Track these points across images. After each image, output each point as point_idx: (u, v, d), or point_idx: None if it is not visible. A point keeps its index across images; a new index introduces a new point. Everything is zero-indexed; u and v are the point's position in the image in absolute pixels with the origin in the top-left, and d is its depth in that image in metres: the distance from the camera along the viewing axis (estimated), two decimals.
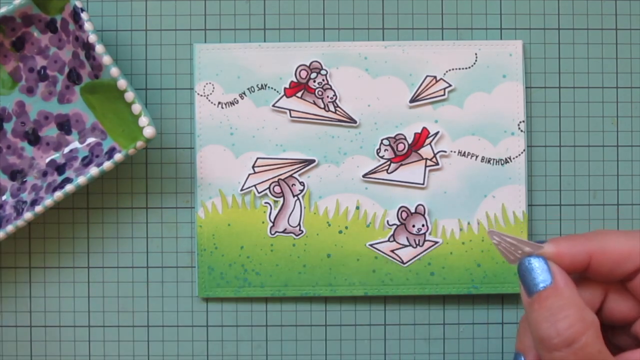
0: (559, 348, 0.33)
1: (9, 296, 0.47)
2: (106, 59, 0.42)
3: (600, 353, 0.33)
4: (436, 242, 0.47)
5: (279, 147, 0.47)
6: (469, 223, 0.47)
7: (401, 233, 0.47)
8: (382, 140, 0.46)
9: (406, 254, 0.47)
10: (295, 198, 0.46)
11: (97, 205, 0.47)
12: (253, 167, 0.46)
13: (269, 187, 0.46)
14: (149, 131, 0.42)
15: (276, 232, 0.46)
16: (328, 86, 0.46)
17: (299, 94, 0.46)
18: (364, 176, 0.46)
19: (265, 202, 0.46)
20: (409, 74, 0.47)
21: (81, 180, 0.43)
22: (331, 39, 0.47)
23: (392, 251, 0.47)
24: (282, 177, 0.46)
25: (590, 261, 0.36)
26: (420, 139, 0.47)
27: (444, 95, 0.46)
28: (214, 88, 0.47)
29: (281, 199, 0.46)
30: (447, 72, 0.47)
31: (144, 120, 0.42)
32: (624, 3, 0.48)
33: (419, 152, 0.47)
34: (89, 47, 0.43)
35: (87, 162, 0.45)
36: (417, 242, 0.47)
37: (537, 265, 0.35)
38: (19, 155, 0.46)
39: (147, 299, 0.47)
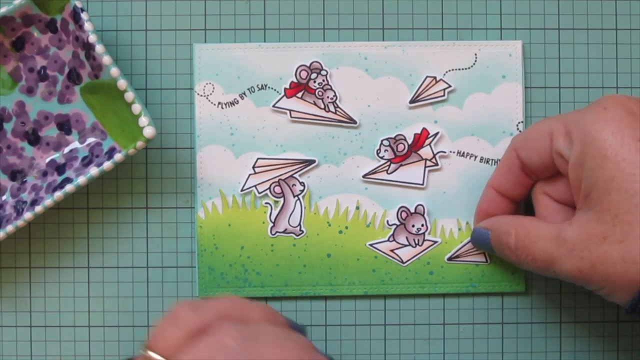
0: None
1: (9, 296, 0.47)
2: (106, 59, 0.42)
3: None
4: (435, 242, 0.47)
5: (279, 147, 0.47)
6: (467, 223, 0.47)
7: (401, 233, 0.47)
8: (382, 140, 0.46)
9: (406, 253, 0.47)
10: (296, 198, 0.46)
11: (97, 205, 0.47)
12: (253, 167, 0.46)
13: (269, 188, 0.46)
14: (149, 131, 0.42)
15: (276, 232, 0.47)
16: (328, 86, 0.46)
17: (299, 95, 0.46)
18: (364, 176, 0.47)
19: (266, 203, 0.47)
20: (409, 74, 0.47)
21: (81, 180, 0.43)
22: (331, 39, 0.47)
23: (392, 251, 0.47)
24: (283, 177, 0.46)
25: (520, 159, 0.42)
26: (420, 139, 0.47)
27: (443, 95, 0.47)
28: (214, 88, 0.47)
29: (281, 199, 0.46)
30: (447, 72, 0.47)
31: (144, 120, 0.42)
32: (624, 3, 0.48)
33: (418, 152, 0.47)
34: (89, 47, 0.43)
35: (87, 162, 0.45)
36: (417, 242, 0.47)
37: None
38: (19, 155, 0.46)
39: (147, 299, 0.47)
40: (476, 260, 0.47)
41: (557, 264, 0.39)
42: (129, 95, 0.42)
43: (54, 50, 0.45)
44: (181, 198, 0.47)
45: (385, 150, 0.47)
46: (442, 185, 0.47)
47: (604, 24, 0.48)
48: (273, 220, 0.47)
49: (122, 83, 0.42)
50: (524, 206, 0.47)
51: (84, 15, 0.42)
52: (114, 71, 0.42)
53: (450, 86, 0.46)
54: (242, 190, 0.47)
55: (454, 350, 0.48)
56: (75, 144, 0.46)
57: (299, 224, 0.47)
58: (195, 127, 0.47)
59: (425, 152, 0.47)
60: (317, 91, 0.46)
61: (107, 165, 0.42)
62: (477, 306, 0.48)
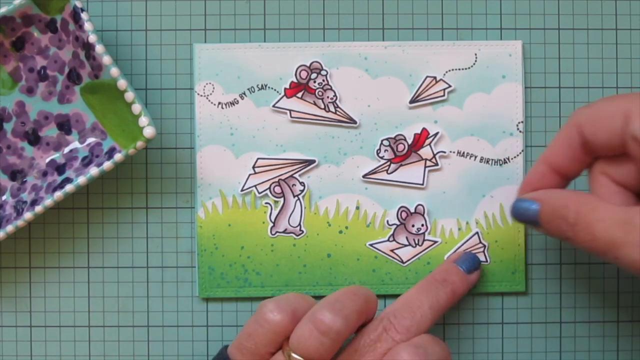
0: None
1: (9, 296, 0.47)
2: (106, 59, 0.42)
3: None
4: (435, 242, 0.47)
5: (279, 147, 0.47)
6: (467, 223, 0.47)
7: (401, 233, 0.47)
8: (382, 140, 0.47)
9: (406, 253, 0.47)
10: (296, 198, 0.46)
11: (97, 205, 0.47)
12: (253, 167, 0.46)
13: (269, 188, 0.46)
14: (149, 131, 0.42)
15: (277, 232, 0.47)
16: (328, 87, 0.46)
17: (299, 95, 0.46)
18: (364, 176, 0.47)
19: (266, 203, 0.47)
20: (409, 74, 0.47)
21: (81, 180, 0.43)
22: (331, 39, 0.47)
23: (392, 251, 0.47)
24: (283, 177, 0.46)
25: (583, 135, 0.39)
26: (420, 139, 0.47)
27: (443, 96, 0.47)
28: (214, 88, 0.47)
29: (281, 199, 0.46)
30: (447, 72, 0.47)
31: (144, 120, 0.42)
32: (624, 3, 0.48)
33: (418, 152, 0.47)
34: (89, 47, 0.43)
35: (87, 162, 0.45)
36: (417, 242, 0.47)
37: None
38: (19, 155, 0.46)
39: (147, 299, 0.47)
40: None
41: (621, 249, 0.36)
42: (129, 95, 0.42)
43: (54, 50, 0.45)
44: (181, 198, 0.47)
45: (385, 150, 0.47)
46: (442, 185, 0.47)
47: (604, 24, 0.48)
48: (273, 220, 0.47)
49: (122, 83, 0.42)
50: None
51: (84, 15, 0.42)
52: (114, 71, 0.42)
53: (450, 86, 0.47)
54: (242, 190, 0.47)
55: (454, 350, 0.48)
56: (75, 144, 0.46)
57: (299, 224, 0.47)
58: (195, 127, 0.47)
59: (425, 152, 0.47)
60: (317, 91, 0.46)
61: (107, 165, 0.42)
62: (477, 306, 0.48)
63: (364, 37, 0.47)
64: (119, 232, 0.47)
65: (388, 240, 0.47)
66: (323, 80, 0.46)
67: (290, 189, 0.46)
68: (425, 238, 0.47)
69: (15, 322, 0.47)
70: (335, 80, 0.47)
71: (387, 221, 0.47)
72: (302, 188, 0.47)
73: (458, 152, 0.47)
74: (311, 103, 0.46)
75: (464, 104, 0.47)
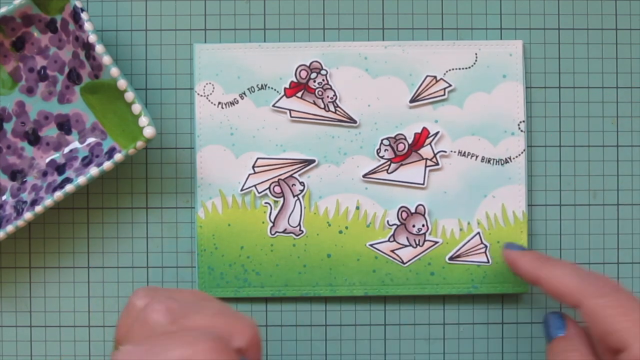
0: None
1: (9, 296, 0.47)
2: (106, 59, 0.42)
3: None
4: (436, 242, 0.47)
5: (279, 147, 0.47)
6: (468, 223, 0.47)
7: (401, 233, 0.47)
8: (382, 140, 0.46)
9: (406, 253, 0.47)
10: (296, 198, 0.46)
11: (97, 205, 0.47)
12: (253, 167, 0.46)
13: (269, 187, 0.46)
14: (149, 131, 0.42)
15: (276, 232, 0.47)
16: (328, 86, 0.46)
17: (299, 94, 0.46)
18: (364, 176, 0.47)
19: (266, 202, 0.46)
20: (409, 74, 0.47)
21: (81, 180, 0.43)
22: (331, 39, 0.47)
23: (392, 251, 0.47)
24: (282, 177, 0.46)
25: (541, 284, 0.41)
26: (421, 139, 0.47)
27: (444, 95, 0.47)
28: (214, 88, 0.47)
29: (281, 199, 0.46)
30: (447, 72, 0.47)
31: (144, 120, 0.42)
32: (624, 3, 0.48)
33: (419, 152, 0.47)
34: (89, 47, 0.43)
35: (87, 162, 0.45)
36: (417, 242, 0.47)
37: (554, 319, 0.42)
38: (19, 155, 0.46)
39: None
40: (478, 261, 0.47)
41: None
42: (129, 95, 0.42)
43: (54, 50, 0.45)
44: (181, 198, 0.47)
45: (386, 150, 0.47)
46: (442, 185, 0.47)
47: (604, 24, 0.48)
48: (273, 220, 0.47)
49: (122, 83, 0.42)
50: None
51: (84, 15, 0.42)
52: (114, 71, 0.42)
53: (450, 85, 0.46)
54: (242, 190, 0.47)
55: (454, 350, 0.48)
56: (75, 144, 0.46)
57: (299, 224, 0.47)
58: (195, 127, 0.47)
59: (425, 151, 0.47)
60: (317, 91, 0.46)
61: (107, 165, 0.42)
62: (477, 306, 0.48)
63: (364, 37, 0.47)
64: (119, 232, 0.47)
65: (388, 240, 0.47)
66: (323, 80, 0.46)
67: (290, 189, 0.46)
68: (426, 238, 0.47)
69: (15, 322, 0.47)
70: (335, 80, 0.47)
71: (388, 221, 0.47)
72: (302, 188, 0.46)
73: (459, 152, 0.47)
74: (311, 103, 0.46)
75: (465, 103, 0.47)
